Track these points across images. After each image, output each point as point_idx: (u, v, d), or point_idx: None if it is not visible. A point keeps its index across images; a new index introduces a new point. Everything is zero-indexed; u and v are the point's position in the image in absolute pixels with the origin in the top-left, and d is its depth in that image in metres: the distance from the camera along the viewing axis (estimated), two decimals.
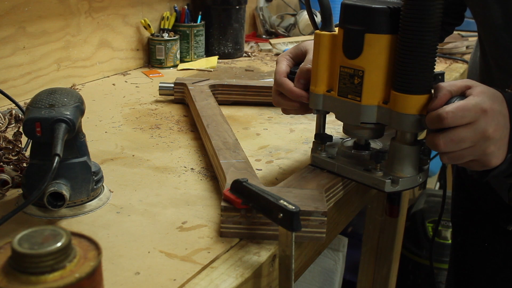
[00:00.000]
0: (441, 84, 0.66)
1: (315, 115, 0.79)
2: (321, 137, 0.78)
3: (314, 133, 0.81)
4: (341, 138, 0.83)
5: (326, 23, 0.73)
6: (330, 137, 0.78)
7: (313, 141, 0.79)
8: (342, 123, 0.77)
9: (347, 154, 0.77)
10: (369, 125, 0.72)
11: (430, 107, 0.65)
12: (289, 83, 0.78)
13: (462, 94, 0.66)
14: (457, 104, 0.63)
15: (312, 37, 0.76)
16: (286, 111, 0.83)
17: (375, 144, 0.80)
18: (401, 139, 0.70)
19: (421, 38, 0.64)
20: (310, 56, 0.78)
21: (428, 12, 0.63)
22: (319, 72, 0.73)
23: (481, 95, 0.63)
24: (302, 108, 0.79)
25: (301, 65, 0.78)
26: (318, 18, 2.07)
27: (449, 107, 0.63)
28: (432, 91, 0.67)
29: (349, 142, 0.80)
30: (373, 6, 0.67)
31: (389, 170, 0.71)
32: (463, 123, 0.62)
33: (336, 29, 0.72)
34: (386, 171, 0.71)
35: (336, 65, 0.72)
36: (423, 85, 0.66)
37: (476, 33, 0.97)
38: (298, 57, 0.82)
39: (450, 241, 1.84)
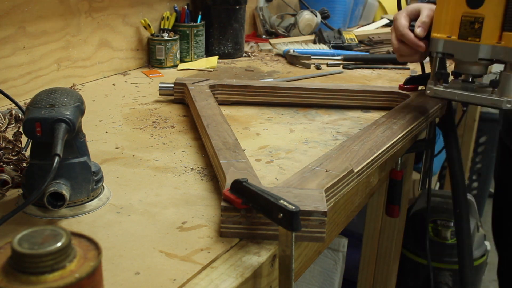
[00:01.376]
0: None
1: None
2: (441, 74, 0.98)
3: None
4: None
5: None
6: (448, 74, 0.99)
7: (429, 80, 0.99)
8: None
9: (459, 87, 0.98)
10: (484, 61, 0.93)
11: None
12: (411, 34, 1.00)
13: None
14: None
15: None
16: (403, 58, 1.05)
17: (479, 80, 0.99)
18: (511, 69, 0.91)
19: None
20: (424, 12, 1.01)
21: None
22: (442, 22, 0.95)
23: None
24: (418, 55, 1.03)
25: (420, 18, 1.00)
26: (318, 18, 2.06)
27: None
28: None
29: (458, 80, 0.99)
30: None
31: (500, 94, 0.92)
32: None
33: None
34: (498, 95, 0.92)
35: (456, 16, 0.94)
36: None
37: None
38: (413, 14, 1.03)
39: (450, 241, 1.84)
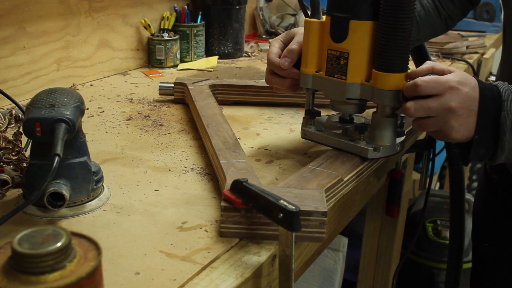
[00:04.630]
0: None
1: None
2: (311, 113, 0.87)
3: None
4: (327, 115, 0.91)
5: (315, 12, 0.82)
6: (319, 113, 0.88)
7: (303, 117, 0.88)
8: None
9: (334, 127, 0.87)
10: (353, 100, 0.82)
11: (410, 74, 0.76)
12: (278, 63, 0.86)
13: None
14: (431, 76, 0.73)
15: None
16: (278, 90, 0.90)
17: (358, 119, 0.89)
18: (382, 112, 0.80)
19: (399, 24, 0.74)
20: (296, 38, 0.87)
21: (404, 0, 0.73)
22: (309, 55, 0.83)
23: (454, 76, 0.73)
24: (292, 86, 0.88)
25: (287, 46, 0.87)
26: None
27: (424, 78, 0.73)
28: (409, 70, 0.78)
29: (335, 117, 0.90)
30: None
31: (371, 140, 0.82)
32: (433, 93, 0.72)
33: (324, 16, 0.82)
34: (369, 141, 0.81)
35: (324, 49, 0.82)
36: (401, 65, 0.76)
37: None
38: (288, 41, 0.89)
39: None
